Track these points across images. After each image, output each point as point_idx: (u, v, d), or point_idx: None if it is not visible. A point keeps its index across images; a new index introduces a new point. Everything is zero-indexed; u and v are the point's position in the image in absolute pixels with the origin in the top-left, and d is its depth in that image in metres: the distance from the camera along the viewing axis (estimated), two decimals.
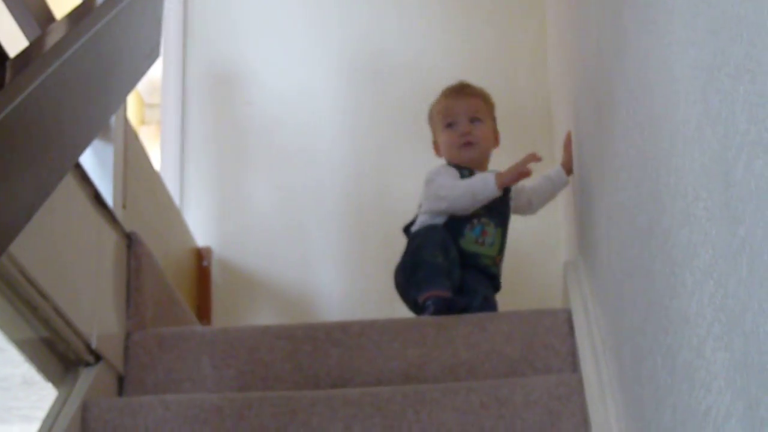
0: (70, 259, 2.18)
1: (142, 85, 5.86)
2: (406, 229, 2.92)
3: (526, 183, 2.94)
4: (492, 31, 3.97)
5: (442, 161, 2.96)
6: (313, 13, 4.05)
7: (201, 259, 3.71)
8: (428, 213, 2.85)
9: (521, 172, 2.78)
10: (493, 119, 3.04)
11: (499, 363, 2.41)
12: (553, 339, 2.43)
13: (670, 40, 1.26)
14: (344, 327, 2.50)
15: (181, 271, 3.45)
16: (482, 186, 2.79)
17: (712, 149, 1.06)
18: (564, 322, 2.45)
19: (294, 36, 4.04)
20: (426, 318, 2.58)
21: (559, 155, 3.03)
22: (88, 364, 2.27)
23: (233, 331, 2.53)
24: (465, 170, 2.90)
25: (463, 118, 2.95)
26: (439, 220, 2.82)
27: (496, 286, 2.89)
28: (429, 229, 2.79)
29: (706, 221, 1.10)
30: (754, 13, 0.88)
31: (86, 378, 2.24)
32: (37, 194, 1.76)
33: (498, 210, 2.89)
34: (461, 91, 3.03)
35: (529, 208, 3.02)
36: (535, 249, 3.69)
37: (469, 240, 2.82)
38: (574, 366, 2.36)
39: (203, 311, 3.62)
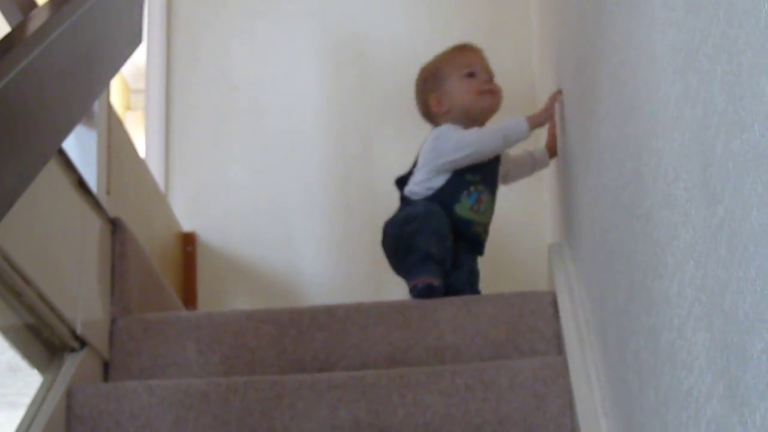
0: (55, 245, 2.18)
1: (128, 71, 5.84)
2: (400, 183, 2.91)
3: (510, 152, 2.95)
4: (476, 13, 3.97)
5: (430, 129, 2.94)
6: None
7: (186, 244, 3.71)
8: (433, 170, 2.83)
9: (551, 112, 2.82)
10: None
11: (484, 346, 2.41)
12: (538, 321, 2.43)
13: (650, 20, 1.26)
14: (329, 311, 2.50)
15: (166, 256, 3.44)
16: (514, 126, 2.81)
17: (691, 129, 1.06)
18: (549, 304, 2.45)
19: (277, 19, 4.03)
20: (411, 301, 2.58)
21: (543, 138, 3.04)
22: (73, 350, 2.26)
23: (218, 316, 2.53)
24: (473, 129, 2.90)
25: (484, 72, 2.99)
26: (439, 182, 2.82)
27: (480, 252, 2.90)
28: (428, 214, 2.76)
29: (686, 202, 1.10)
30: None
31: (71, 364, 2.24)
32: (20, 180, 1.76)
33: (491, 177, 2.89)
34: (479, 50, 3.06)
35: (504, 180, 3.02)
36: (520, 231, 3.69)
37: (465, 206, 2.82)
38: (559, 348, 2.37)
39: (189, 296, 3.62)
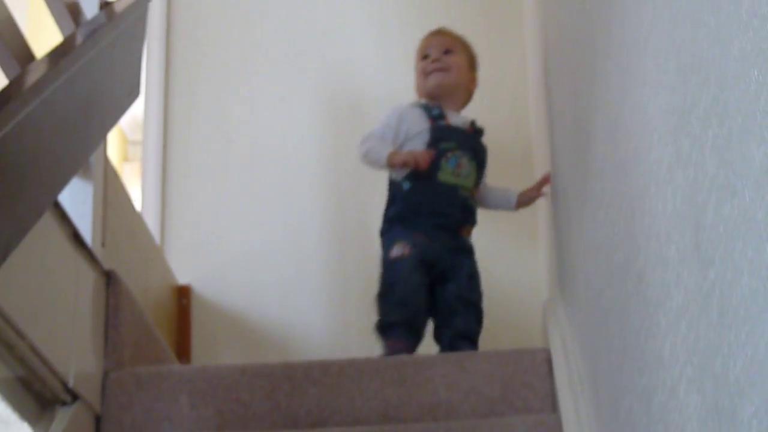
0: (48, 298, 2.17)
1: (126, 123, 5.86)
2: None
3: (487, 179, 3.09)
4: None
5: None
6: (293, 50, 4.06)
7: (181, 297, 3.70)
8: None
9: (409, 159, 2.89)
10: (472, 66, 3.16)
11: (478, 403, 2.41)
12: (532, 379, 2.43)
13: (644, 82, 1.26)
14: (323, 366, 2.49)
15: (160, 309, 3.44)
16: (378, 150, 2.95)
17: (683, 192, 1.06)
18: (543, 361, 2.44)
19: (273, 74, 4.04)
20: (405, 357, 2.58)
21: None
22: (64, 404, 2.25)
23: (211, 370, 2.53)
24: (435, 109, 3.04)
25: (437, 50, 3.10)
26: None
27: (473, 221, 3.00)
28: (393, 284, 2.88)
29: (678, 263, 1.10)
30: (722, 58, 0.89)
31: (63, 418, 2.22)
32: (14, 232, 1.76)
33: (469, 145, 3.00)
34: (438, 30, 3.20)
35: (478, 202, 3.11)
36: (515, 287, 3.69)
37: (446, 171, 2.93)
38: (554, 406, 2.36)
39: (183, 349, 3.61)
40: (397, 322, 2.82)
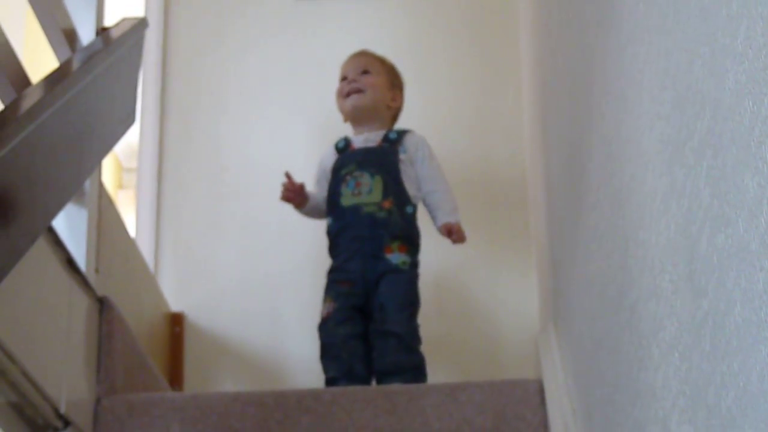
0: (41, 323, 2.17)
1: (121, 150, 5.88)
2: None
3: (431, 191, 3.11)
4: (468, 98, 3.99)
5: None
6: (288, 77, 4.07)
7: (174, 324, 3.70)
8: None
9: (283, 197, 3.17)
10: (393, 84, 3.19)
11: None
12: (524, 410, 2.42)
13: (639, 113, 1.27)
14: (315, 394, 2.49)
15: (153, 336, 3.43)
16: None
17: (677, 222, 1.06)
18: (536, 392, 2.44)
19: (268, 102, 4.05)
20: (398, 386, 2.58)
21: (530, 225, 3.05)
22: (56, 430, 2.24)
23: (203, 398, 2.52)
24: (341, 142, 3.14)
25: (354, 72, 3.16)
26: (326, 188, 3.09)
27: (398, 235, 2.99)
28: (324, 346, 3.03)
29: (671, 294, 1.10)
30: (716, 90, 0.89)
31: None
32: (8, 258, 1.76)
33: (372, 161, 3.03)
34: (358, 52, 3.24)
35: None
36: (507, 318, 3.68)
37: (347, 196, 3.00)
38: None
39: (176, 377, 3.60)
40: (337, 377, 2.92)
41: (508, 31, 4.03)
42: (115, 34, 2.51)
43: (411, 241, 3.01)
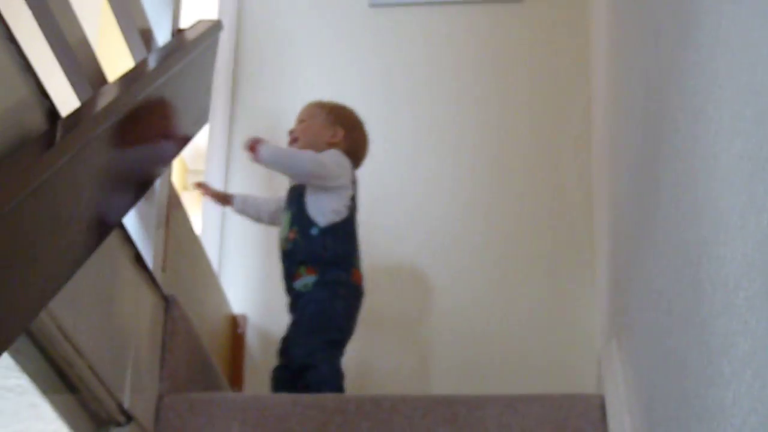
0: (108, 318, 2.19)
1: (187, 152, 5.92)
2: None
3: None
4: (535, 114, 3.99)
5: None
6: (360, 89, 4.09)
7: (236, 326, 3.72)
8: None
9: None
10: (330, 122, 3.34)
11: None
12: (585, 425, 2.41)
13: (717, 129, 1.27)
14: (375, 400, 2.49)
15: (215, 336, 3.45)
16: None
17: (755, 238, 1.06)
18: (597, 407, 2.43)
19: None
20: (458, 396, 2.57)
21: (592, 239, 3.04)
22: (119, 424, 2.26)
23: (264, 399, 2.53)
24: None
25: (295, 122, 3.38)
26: None
27: (301, 260, 3.12)
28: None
29: (746, 310, 1.10)
30: None
31: None
32: (81, 251, 1.78)
33: (289, 199, 3.24)
34: (308, 104, 3.43)
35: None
36: (571, 332, 3.67)
37: (279, 238, 3.22)
38: None
39: (236, 378, 3.62)
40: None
41: (579, 47, 4.02)
42: (190, 35, 2.54)
43: (319, 260, 3.09)
